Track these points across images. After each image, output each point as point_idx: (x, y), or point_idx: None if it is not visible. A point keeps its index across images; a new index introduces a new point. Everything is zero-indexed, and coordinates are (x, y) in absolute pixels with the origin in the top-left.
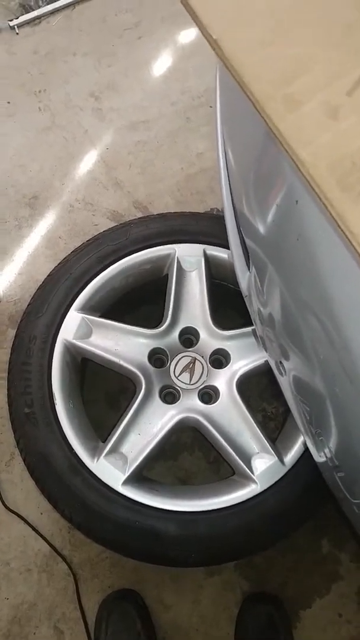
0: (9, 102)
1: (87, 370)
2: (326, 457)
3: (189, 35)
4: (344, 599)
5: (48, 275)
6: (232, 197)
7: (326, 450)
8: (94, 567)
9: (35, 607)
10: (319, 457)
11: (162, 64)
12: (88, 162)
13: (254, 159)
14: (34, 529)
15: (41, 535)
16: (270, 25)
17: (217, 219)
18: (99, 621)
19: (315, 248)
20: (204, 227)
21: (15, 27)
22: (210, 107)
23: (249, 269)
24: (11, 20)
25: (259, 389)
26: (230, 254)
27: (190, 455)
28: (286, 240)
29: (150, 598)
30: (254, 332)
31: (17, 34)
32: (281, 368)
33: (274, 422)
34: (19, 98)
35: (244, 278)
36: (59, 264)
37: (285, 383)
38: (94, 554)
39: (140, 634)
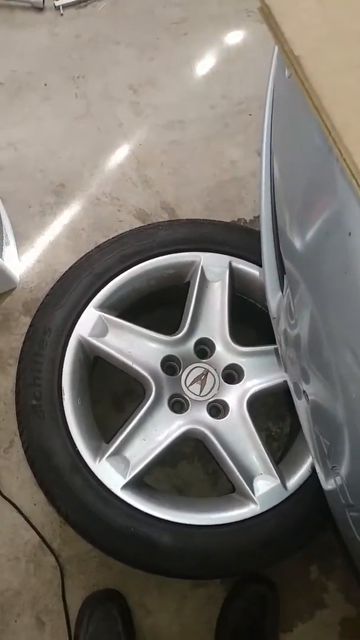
0: (46, 85)
1: (95, 369)
2: (338, 492)
3: (235, 37)
4: (326, 627)
5: (69, 268)
6: (273, 215)
7: (340, 486)
8: (82, 564)
9: (19, 595)
10: (328, 488)
11: (205, 64)
12: (119, 156)
13: (307, 180)
14: (26, 518)
15: (32, 526)
16: None
17: (247, 231)
18: (80, 618)
19: None
20: (233, 239)
21: (61, 7)
22: (250, 115)
23: (282, 291)
24: (57, 0)
25: (265, 408)
26: (262, 272)
27: (189, 464)
28: (332, 272)
29: (133, 601)
30: (275, 351)
31: (62, 15)
32: (302, 393)
33: (277, 443)
34: (57, 82)
35: (275, 299)
36: (81, 257)
37: (302, 410)
38: (82, 551)
39: (120, 636)
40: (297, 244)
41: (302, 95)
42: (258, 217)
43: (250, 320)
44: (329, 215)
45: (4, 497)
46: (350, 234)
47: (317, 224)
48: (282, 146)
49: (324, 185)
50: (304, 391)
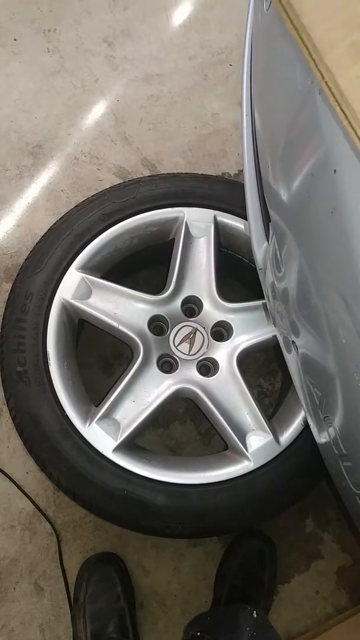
0: (15, 40)
1: (81, 332)
2: (331, 443)
3: None
4: (322, 577)
5: (49, 229)
6: (256, 162)
7: (333, 437)
8: (77, 529)
9: (16, 563)
10: (321, 440)
11: (182, 12)
12: (97, 113)
13: (288, 121)
14: (19, 487)
15: (26, 495)
16: None
17: (231, 183)
18: (79, 581)
19: (353, 223)
20: (217, 192)
21: None
22: (230, 65)
23: (267, 241)
24: None
25: (256, 365)
26: (247, 224)
27: (181, 425)
28: (318, 212)
29: (131, 562)
30: (264, 306)
31: None
32: (292, 345)
33: (269, 399)
34: (27, 36)
35: (261, 249)
36: (60, 218)
37: (293, 362)
38: (77, 516)
39: (119, 597)
40: (282, 189)
41: (280, 23)
42: (242, 170)
43: (238, 276)
44: (313, 154)
45: None
46: (335, 171)
47: (300, 164)
48: (262, 90)
49: (306, 125)
50: (293, 341)
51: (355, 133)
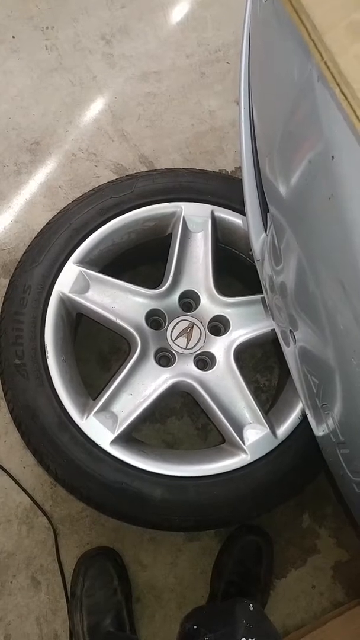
0: (13, 37)
1: (79, 328)
2: (329, 431)
3: None
4: (318, 572)
5: (47, 224)
6: (254, 152)
7: (330, 425)
8: (74, 524)
9: (13, 557)
10: (319, 431)
11: (179, 10)
12: (94, 110)
13: (286, 111)
14: (16, 481)
15: (23, 489)
16: None
17: (228, 179)
18: (76, 575)
19: (351, 208)
20: (214, 187)
21: None
22: (228, 63)
23: (265, 231)
24: None
25: (253, 361)
26: (245, 219)
27: (178, 420)
28: (316, 200)
29: (128, 557)
30: (262, 300)
31: None
32: (290, 338)
33: (266, 395)
34: (25, 33)
35: (258, 240)
36: (58, 212)
37: (290, 354)
38: (74, 511)
39: (116, 591)
40: (280, 179)
41: (278, 13)
42: (239, 167)
43: (234, 272)
44: (311, 142)
45: None
46: (333, 157)
47: (298, 153)
48: (260, 81)
49: (304, 113)
50: (291, 330)
51: (355, 113)
